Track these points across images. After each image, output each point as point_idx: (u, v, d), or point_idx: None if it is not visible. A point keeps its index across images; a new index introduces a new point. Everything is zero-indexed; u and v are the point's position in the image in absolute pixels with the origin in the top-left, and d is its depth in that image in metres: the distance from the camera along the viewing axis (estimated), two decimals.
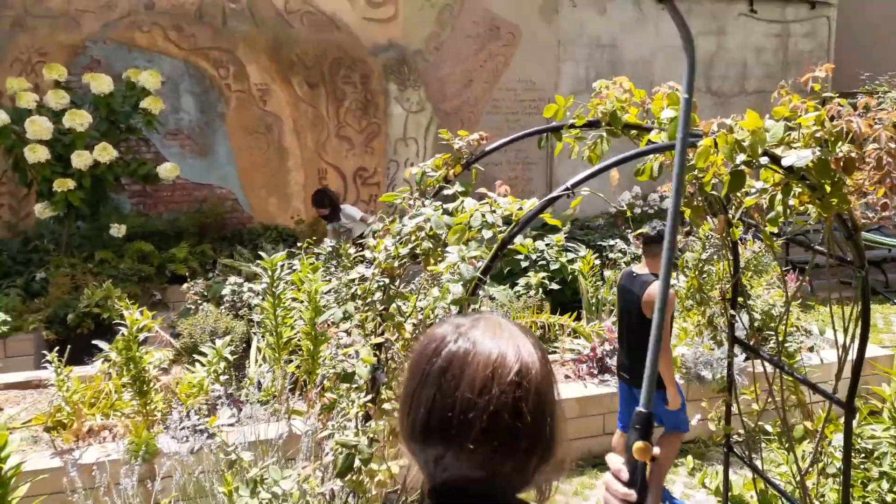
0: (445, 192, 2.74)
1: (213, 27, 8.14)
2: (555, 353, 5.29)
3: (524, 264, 6.63)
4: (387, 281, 2.18)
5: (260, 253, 3.98)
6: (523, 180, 9.63)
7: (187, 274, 5.75)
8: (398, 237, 2.25)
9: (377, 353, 2.21)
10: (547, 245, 6.81)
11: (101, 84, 6.54)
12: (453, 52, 9.09)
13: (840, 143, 2.38)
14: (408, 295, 2.42)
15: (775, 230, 3.01)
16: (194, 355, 4.01)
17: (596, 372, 4.99)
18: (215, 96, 8.23)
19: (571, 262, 6.60)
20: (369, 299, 2.16)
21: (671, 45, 9.96)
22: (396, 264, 2.17)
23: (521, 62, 9.37)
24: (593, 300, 6.01)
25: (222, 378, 3.76)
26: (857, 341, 2.79)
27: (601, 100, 3.11)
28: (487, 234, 2.26)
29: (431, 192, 2.71)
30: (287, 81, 8.47)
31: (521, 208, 2.36)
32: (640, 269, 3.82)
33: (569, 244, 7.09)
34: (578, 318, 5.88)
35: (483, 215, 2.24)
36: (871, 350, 5.37)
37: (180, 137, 8.15)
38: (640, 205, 9.00)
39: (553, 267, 6.57)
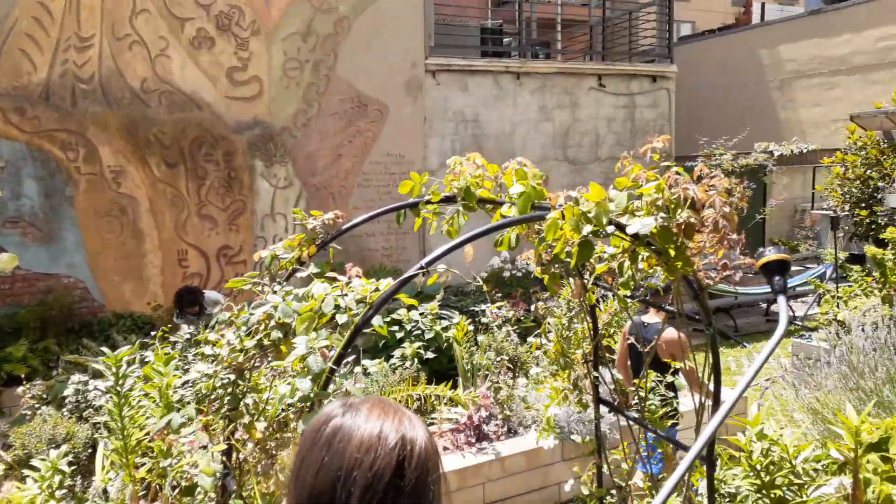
0: (299, 274, 2.63)
1: (61, 109, 7.67)
2: (433, 424, 5.18)
3: (399, 335, 6.55)
4: (233, 377, 2.01)
5: (103, 349, 3.63)
6: (398, 250, 9.66)
7: (23, 375, 5.15)
8: (245, 327, 2.10)
9: (225, 459, 2.02)
10: (421, 314, 6.77)
11: None
12: (321, 129, 9.10)
13: (679, 210, 2.52)
14: (263, 388, 2.24)
15: (628, 293, 3.15)
16: (26, 470, 3.54)
17: (474, 440, 4.91)
18: (62, 180, 7.69)
19: (446, 329, 6.59)
20: (214, 397, 1.98)
21: (528, 119, 10.55)
22: (242, 358, 2.02)
23: (390, 137, 9.52)
24: (468, 366, 6.00)
25: (59, 493, 3.32)
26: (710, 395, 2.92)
27: (455, 176, 3.17)
28: (342, 318, 2.17)
29: (284, 275, 2.59)
30: (143, 162, 8.08)
31: (376, 290, 2.30)
32: (650, 318, 4.36)
33: (443, 311, 7.09)
34: (455, 386, 5.83)
35: (335, 299, 2.15)
36: (726, 393, 5.67)
37: (22, 225, 7.49)
38: (510, 268, 9.23)
39: (428, 336, 6.53)
